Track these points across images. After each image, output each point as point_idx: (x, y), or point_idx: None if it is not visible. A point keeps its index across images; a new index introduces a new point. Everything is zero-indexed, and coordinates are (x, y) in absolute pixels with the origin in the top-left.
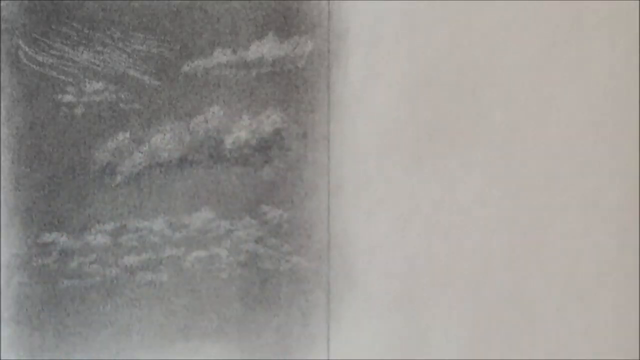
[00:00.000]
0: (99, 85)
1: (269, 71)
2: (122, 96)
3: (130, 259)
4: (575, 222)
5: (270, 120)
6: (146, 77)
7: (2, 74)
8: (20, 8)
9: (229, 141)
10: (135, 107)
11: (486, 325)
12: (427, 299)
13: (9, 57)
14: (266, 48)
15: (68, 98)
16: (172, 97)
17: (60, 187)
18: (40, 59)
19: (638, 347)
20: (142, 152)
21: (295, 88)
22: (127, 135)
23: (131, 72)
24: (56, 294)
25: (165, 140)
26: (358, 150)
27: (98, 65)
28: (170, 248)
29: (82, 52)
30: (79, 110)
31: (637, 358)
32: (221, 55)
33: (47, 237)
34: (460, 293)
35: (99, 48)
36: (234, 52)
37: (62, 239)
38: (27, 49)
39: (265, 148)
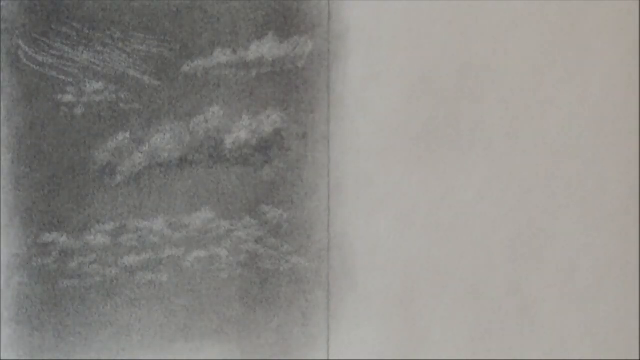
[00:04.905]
0: (99, 85)
1: (269, 71)
2: (122, 96)
3: (130, 259)
4: (575, 222)
5: (270, 120)
6: (146, 77)
7: (2, 74)
8: (20, 8)
9: (229, 141)
10: (135, 107)
11: (486, 325)
12: (427, 298)
13: (9, 57)
14: (266, 48)
15: (68, 98)
16: (172, 97)
17: (60, 187)
18: (40, 59)
19: (638, 347)
20: (142, 152)
21: (295, 88)
22: (127, 135)
23: (131, 72)
24: (56, 294)
25: (165, 140)
26: (358, 150)
27: (98, 65)
28: (170, 248)
29: (82, 52)
30: (79, 110)
31: (637, 358)
32: (221, 55)
33: (47, 237)
34: (460, 293)
35: (99, 48)
36: (234, 52)
37: (62, 239)
38: (27, 49)
39: (265, 148)
